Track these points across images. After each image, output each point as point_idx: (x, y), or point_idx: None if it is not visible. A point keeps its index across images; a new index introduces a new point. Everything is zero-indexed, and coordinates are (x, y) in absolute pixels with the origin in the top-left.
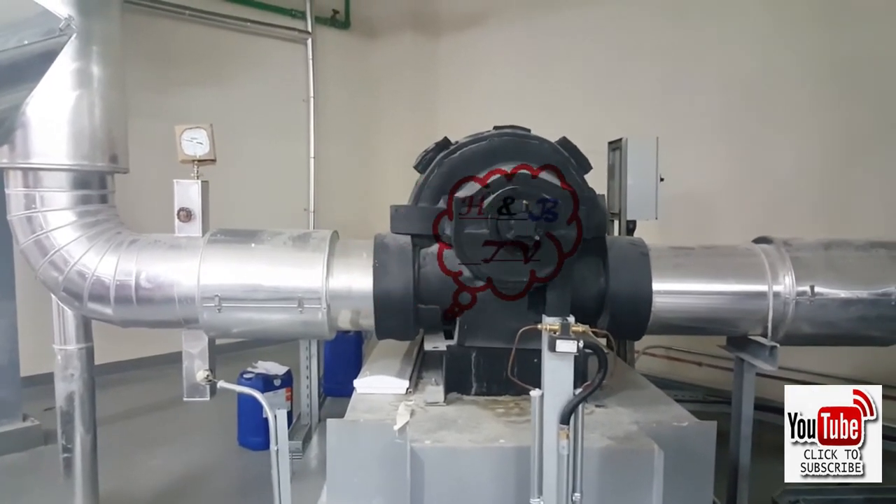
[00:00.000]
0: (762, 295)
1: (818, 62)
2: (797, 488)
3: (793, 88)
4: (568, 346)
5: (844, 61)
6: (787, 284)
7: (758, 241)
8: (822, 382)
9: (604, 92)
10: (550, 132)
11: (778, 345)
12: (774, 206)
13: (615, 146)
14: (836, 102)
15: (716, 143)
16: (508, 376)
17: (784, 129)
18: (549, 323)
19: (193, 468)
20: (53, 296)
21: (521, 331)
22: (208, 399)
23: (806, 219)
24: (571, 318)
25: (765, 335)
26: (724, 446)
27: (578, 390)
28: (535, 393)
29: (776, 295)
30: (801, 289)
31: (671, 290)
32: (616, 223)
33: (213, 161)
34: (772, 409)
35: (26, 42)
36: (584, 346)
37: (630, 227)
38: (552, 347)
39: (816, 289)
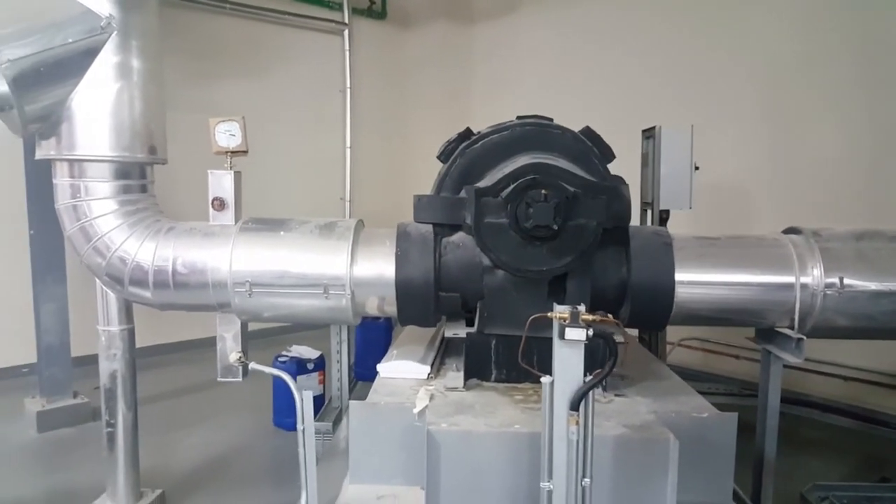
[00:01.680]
0: (789, 286)
1: (860, 45)
2: (827, 484)
3: (834, 72)
4: (577, 334)
5: (888, 43)
6: (815, 276)
7: (787, 231)
8: (857, 378)
9: (641, 79)
10: (585, 120)
11: (804, 337)
12: (814, 195)
13: (648, 134)
14: (880, 87)
15: (754, 130)
16: (520, 362)
17: (825, 115)
18: (560, 311)
19: (230, 447)
20: (97, 280)
21: (531, 318)
22: (241, 380)
23: (848, 209)
24: (582, 307)
25: (792, 327)
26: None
27: (589, 377)
28: (545, 379)
29: (804, 286)
30: (829, 280)
31: (695, 281)
32: (649, 212)
33: (246, 152)
34: (809, 403)
35: (70, 40)
36: (594, 335)
37: (663, 217)
38: (562, 335)
39: (846, 281)
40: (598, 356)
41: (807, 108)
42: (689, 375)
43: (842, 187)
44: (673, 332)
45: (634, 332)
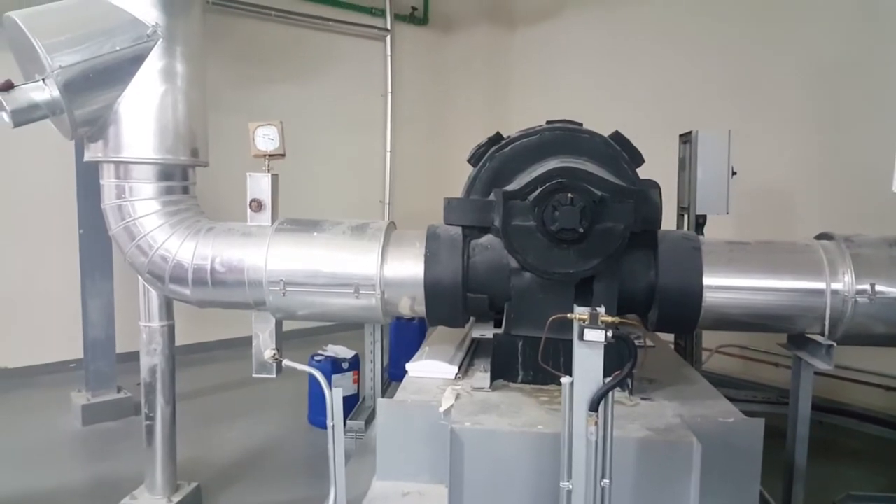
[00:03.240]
0: (819, 292)
1: None
2: (861, 495)
3: (878, 76)
4: (596, 336)
5: None
6: (846, 282)
7: (819, 237)
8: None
9: (681, 83)
10: (626, 124)
11: (835, 343)
12: (859, 202)
13: (685, 139)
14: None
15: (797, 135)
16: (540, 362)
17: (868, 120)
18: (579, 312)
19: (266, 443)
20: (139, 277)
21: (550, 319)
22: (274, 376)
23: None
24: (602, 309)
25: (823, 333)
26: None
27: (609, 379)
28: (565, 380)
29: (834, 292)
30: (860, 287)
31: (724, 286)
32: (685, 217)
33: (283, 156)
34: (849, 413)
35: (118, 48)
36: (613, 337)
37: (700, 222)
38: (581, 336)
39: (878, 287)
40: (625, 359)
41: (851, 112)
42: (728, 383)
43: (888, 194)
44: (711, 339)
45: (670, 337)
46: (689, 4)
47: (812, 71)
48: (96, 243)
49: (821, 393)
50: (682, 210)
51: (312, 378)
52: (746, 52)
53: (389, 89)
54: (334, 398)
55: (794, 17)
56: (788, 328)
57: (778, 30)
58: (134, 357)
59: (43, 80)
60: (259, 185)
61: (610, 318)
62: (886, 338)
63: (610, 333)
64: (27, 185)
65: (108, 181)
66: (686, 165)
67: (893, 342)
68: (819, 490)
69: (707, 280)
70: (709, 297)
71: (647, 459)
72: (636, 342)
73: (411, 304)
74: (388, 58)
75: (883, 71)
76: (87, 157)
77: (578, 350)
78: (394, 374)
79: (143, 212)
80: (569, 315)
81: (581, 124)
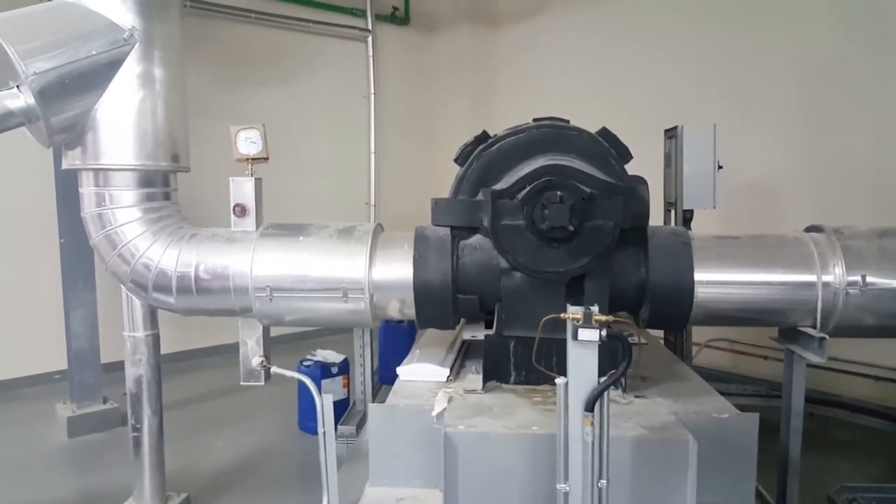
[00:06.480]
0: (811, 285)
1: (893, 42)
2: (855, 486)
3: (867, 70)
4: (590, 335)
5: None
6: (836, 274)
7: (809, 229)
8: (888, 378)
9: (667, 80)
10: (612, 121)
11: (827, 336)
12: (847, 195)
13: (671, 134)
14: None
15: (785, 129)
16: (533, 363)
17: (856, 113)
18: (573, 312)
19: (256, 450)
20: (122, 286)
21: (543, 319)
22: (263, 384)
23: (882, 209)
24: (596, 308)
25: (814, 326)
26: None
27: (604, 378)
28: (560, 380)
29: (825, 285)
30: (851, 279)
31: (715, 281)
32: (672, 212)
33: (266, 159)
34: (839, 404)
35: (94, 52)
36: (607, 336)
37: (687, 217)
38: (575, 336)
39: (868, 279)
40: (620, 357)
41: (839, 106)
42: (718, 377)
43: (876, 187)
44: (700, 333)
45: (659, 333)
46: (674, 2)
47: (798, 66)
48: (78, 252)
49: (810, 384)
50: (669, 205)
51: (301, 383)
52: (733, 48)
53: (372, 90)
54: (325, 404)
55: (781, 12)
56: (780, 322)
57: (765, 25)
58: (119, 367)
59: (17, 86)
60: (242, 189)
61: (604, 317)
62: (877, 329)
63: (604, 332)
64: (5, 194)
65: (87, 189)
66: (672, 161)
67: (884, 333)
68: (813, 482)
69: (698, 275)
70: (700, 293)
71: (643, 458)
72: (630, 340)
73: (401, 307)
74: (370, 59)
75: (870, 67)
76: (66, 164)
77: (573, 350)
78: (384, 378)
79: (123, 220)
80: (562, 315)
81: (568, 121)
